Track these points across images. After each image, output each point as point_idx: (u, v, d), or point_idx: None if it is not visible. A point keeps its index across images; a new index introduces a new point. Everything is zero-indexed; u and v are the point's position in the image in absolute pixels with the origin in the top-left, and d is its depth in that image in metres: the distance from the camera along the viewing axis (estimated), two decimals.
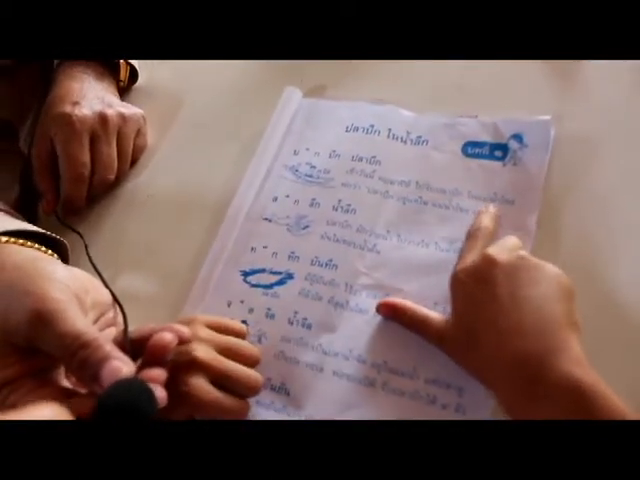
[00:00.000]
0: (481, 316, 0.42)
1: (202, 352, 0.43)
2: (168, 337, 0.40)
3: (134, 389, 0.35)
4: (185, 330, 0.42)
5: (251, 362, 0.46)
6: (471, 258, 0.45)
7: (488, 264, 0.43)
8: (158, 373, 0.38)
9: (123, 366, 0.36)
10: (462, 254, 0.47)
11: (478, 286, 0.43)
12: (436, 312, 0.46)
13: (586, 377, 0.36)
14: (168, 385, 0.41)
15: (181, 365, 0.42)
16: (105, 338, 0.38)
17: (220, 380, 0.44)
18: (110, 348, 0.37)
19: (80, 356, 0.36)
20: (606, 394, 0.36)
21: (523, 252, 0.43)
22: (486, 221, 0.49)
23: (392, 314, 0.48)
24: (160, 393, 0.36)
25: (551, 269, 0.42)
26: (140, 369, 0.38)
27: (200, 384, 0.42)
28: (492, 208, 0.51)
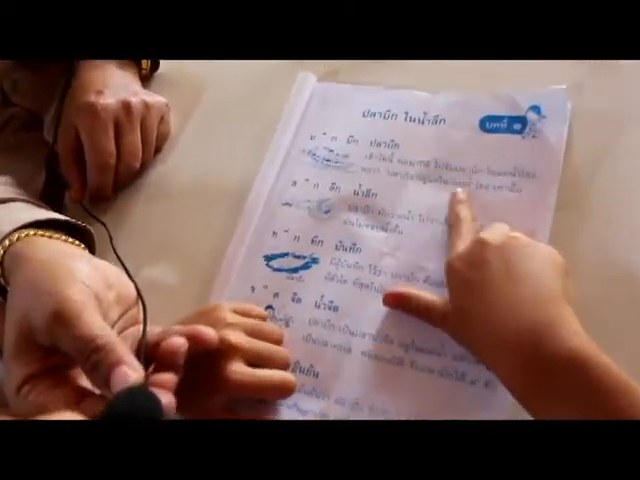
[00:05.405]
0: (477, 298, 0.42)
1: (234, 336, 0.45)
2: (178, 342, 0.40)
3: (139, 399, 0.35)
4: (210, 332, 0.42)
5: (276, 341, 0.48)
6: (462, 245, 0.46)
7: (481, 247, 0.44)
8: (168, 378, 0.38)
9: (132, 373, 0.36)
10: (452, 244, 0.48)
11: (473, 269, 0.43)
12: (438, 296, 0.47)
13: (586, 347, 0.37)
14: (206, 372, 0.43)
15: (216, 351, 0.43)
16: (119, 341, 0.38)
17: (254, 360, 0.45)
18: (121, 353, 0.37)
19: (92, 360, 0.37)
20: (607, 364, 0.36)
21: (515, 233, 0.44)
22: (463, 210, 0.50)
23: (398, 304, 0.49)
24: (167, 400, 0.36)
25: (543, 247, 0.43)
26: (155, 372, 0.39)
27: (238, 367, 0.44)
28: (461, 194, 0.51)
